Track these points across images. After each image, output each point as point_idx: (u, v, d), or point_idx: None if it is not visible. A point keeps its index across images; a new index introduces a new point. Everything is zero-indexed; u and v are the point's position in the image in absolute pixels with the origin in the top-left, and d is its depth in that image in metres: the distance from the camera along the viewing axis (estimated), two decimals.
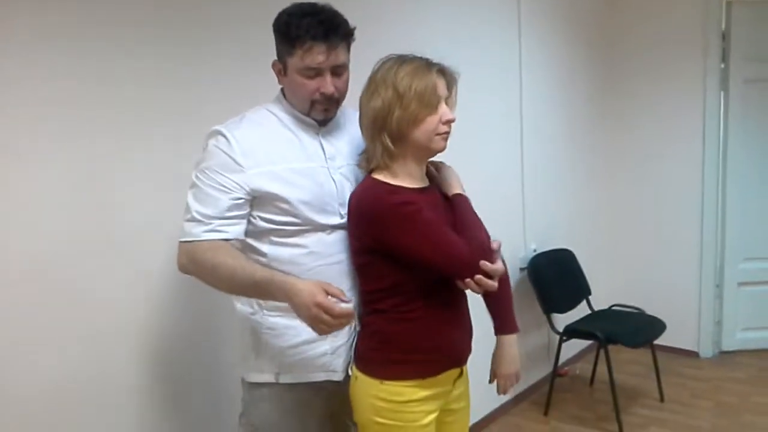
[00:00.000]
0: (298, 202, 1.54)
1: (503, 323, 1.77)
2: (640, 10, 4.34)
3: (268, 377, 1.65)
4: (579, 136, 4.28)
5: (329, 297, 1.35)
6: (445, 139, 1.56)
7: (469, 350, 1.70)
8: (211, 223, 1.50)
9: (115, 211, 1.81)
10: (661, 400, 3.69)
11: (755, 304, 4.33)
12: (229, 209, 1.51)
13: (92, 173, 1.75)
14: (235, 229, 1.53)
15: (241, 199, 1.52)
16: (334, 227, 1.60)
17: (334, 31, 1.51)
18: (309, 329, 1.40)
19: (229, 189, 1.50)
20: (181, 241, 1.54)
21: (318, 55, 1.50)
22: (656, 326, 3.56)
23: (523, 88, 3.64)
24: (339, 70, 1.56)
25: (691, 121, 4.22)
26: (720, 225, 4.25)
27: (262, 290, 1.45)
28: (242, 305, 1.65)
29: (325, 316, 1.33)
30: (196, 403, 2.06)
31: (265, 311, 1.60)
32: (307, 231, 1.57)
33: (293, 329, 1.57)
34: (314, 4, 1.54)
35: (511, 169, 3.62)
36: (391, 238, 1.47)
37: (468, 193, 1.68)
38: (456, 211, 1.60)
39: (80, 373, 1.75)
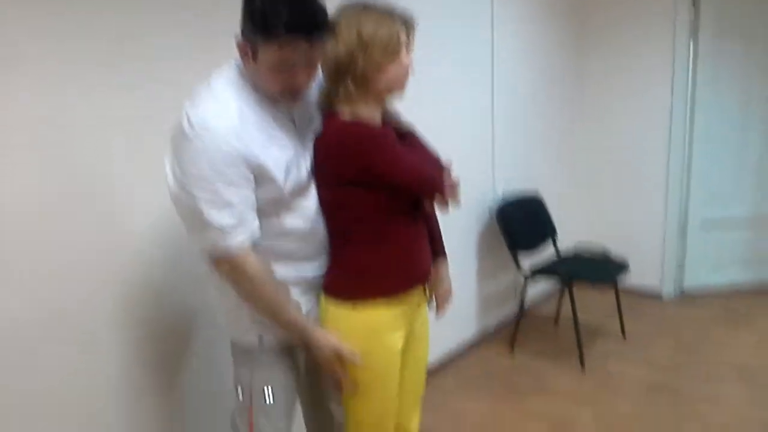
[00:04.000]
0: (284, 179, 1.51)
1: (439, 248, 1.89)
2: None
3: (252, 339, 1.66)
4: (549, 82, 4.30)
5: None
6: (405, 84, 1.62)
7: (430, 268, 1.78)
8: (244, 228, 1.46)
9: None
10: (624, 336, 3.82)
11: (718, 246, 4.46)
12: (251, 204, 1.48)
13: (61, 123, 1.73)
14: (257, 222, 1.51)
15: (252, 187, 1.47)
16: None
17: (318, 26, 1.40)
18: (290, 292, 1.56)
19: (243, 185, 1.44)
20: (219, 257, 1.48)
21: (296, 52, 1.39)
22: (619, 266, 3.66)
23: (495, 35, 3.64)
24: (314, 60, 1.47)
25: (660, 67, 4.25)
26: (686, 167, 4.32)
27: (290, 329, 1.60)
28: None
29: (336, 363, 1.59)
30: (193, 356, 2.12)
31: None
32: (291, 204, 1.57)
33: None
34: None
35: (481, 113, 3.63)
36: (374, 166, 1.52)
37: (438, 136, 1.85)
38: (413, 143, 1.70)
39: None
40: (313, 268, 1.66)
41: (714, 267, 4.51)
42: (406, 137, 1.71)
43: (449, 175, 1.64)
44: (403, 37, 1.56)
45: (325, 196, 1.61)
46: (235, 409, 1.72)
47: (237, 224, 1.44)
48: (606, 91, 4.55)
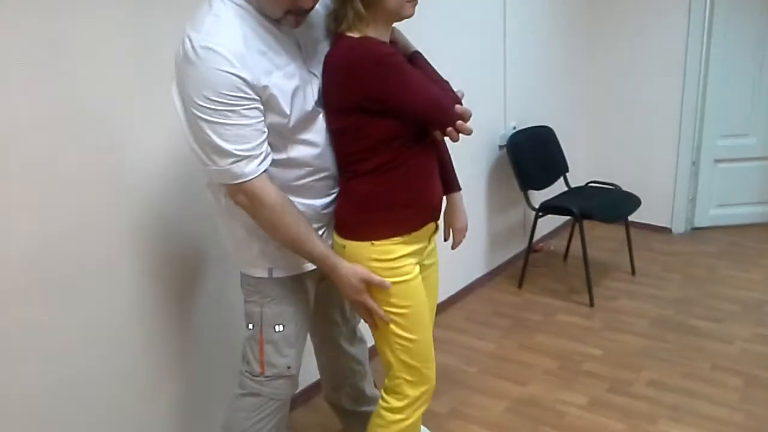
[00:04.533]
0: (289, 108, 1.45)
1: (453, 182, 1.88)
2: None
3: (261, 272, 1.65)
4: (561, 18, 4.14)
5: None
6: (414, 6, 1.55)
7: (441, 201, 1.75)
8: (258, 154, 1.40)
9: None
10: (633, 273, 3.81)
11: (729, 181, 4.39)
12: (262, 130, 1.42)
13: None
14: (270, 149, 1.46)
15: (260, 112, 1.41)
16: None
17: None
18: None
19: (252, 109, 1.38)
20: (234, 184, 1.43)
21: None
22: (631, 202, 3.61)
23: None
24: None
25: (675, 2, 4.10)
26: (700, 102, 4.21)
27: (314, 260, 1.56)
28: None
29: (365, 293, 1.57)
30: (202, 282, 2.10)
31: None
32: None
33: None
34: None
35: (494, 47, 3.51)
36: (385, 85, 1.46)
37: (449, 70, 1.75)
38: (422, 67, 1.65)
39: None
40: (323, 204, 1.63)
41: (725, 203, 4.46)
42: (413, 59, 1.66)
43: (460, 102, 1.57)
44: None
45: (334, 124, 1.56)
46: (245, 340, 1.73)
47: (250, 150, 1.39)
48: (620, 27, 4.39)
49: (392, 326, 1.64)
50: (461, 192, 1.92)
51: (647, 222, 4.47)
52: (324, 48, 1.57)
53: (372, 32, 1.52)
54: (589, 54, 4.51)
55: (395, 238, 1.59)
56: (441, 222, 1.84)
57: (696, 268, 3.85)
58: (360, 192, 1.59)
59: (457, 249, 1.97)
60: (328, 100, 1.55)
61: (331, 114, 1.55)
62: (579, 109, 4.56)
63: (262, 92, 1.38)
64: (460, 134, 1.53)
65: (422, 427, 2.37)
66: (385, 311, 1.62)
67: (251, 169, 1.40)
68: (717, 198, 4.44)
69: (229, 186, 1.45)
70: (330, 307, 1.97)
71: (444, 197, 1.82)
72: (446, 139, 1.58)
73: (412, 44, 1.73)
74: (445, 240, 1.94)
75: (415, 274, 1.66)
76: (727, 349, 2.88)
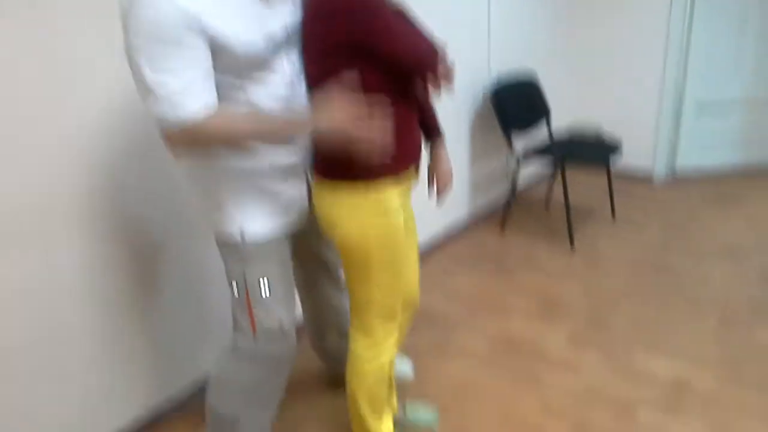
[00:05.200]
0: (241, 46, 1.37)
1: (435, 126, 1.86)
2: None
3: (233, 232, 1.59)
4: None
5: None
6: None
7: (422, 146, 1.73)
8: (194, 98, 1.31)
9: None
10: (613, 218, 3.85)
11: (710, 128, 4.42)
12: (205, 71, 1.32)
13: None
14: (214, 93, 1.36)
15: (204, 50, 1.32)
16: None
17: None
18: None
19: (192, 47, 1.29)
20: (170, 127, 1.32)
21: None
22: (612, 147, 3.63)
23: None
24: None
25: None
26: (684, 49, 4.22)
27: (292, 134, 1.49)
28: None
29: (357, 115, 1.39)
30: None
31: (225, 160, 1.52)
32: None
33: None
34: None
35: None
36: (367, 31, 1.42)
37: (433, 19, 1.74)
38: (406, 20, 1.59)
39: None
40: (288, 153, 1.57)
41: (706, 149, 4.50)
42: (398, 15, 1.59)
43: (444, 56, 1.54)
44: None
45: (312, 71, 1.52)
46: (233, 304, 1.68)
47: (184, 91, 1.29)
48: None
49: (376, 269, 1.64)
50: (443, 139, 1.89)
51: (629, 166, 4.51)
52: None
53: None
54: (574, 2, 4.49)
55: (386, 178, 1.57)
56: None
57: (677, 213, 3.89)
58: None
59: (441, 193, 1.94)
60: (306, 45, 1.51)
61: (309, 62, 1.52)
62: (562, 53, 4.54)
63: (208, 29, 1.30)
64: (443, 85, 1.52)
65: (405, 358, 2.43)
66: (375, 260, 1.61)
67: (186, 112, 1.31)
68: (699, 144, 4.47)
69: (167, 133, 1.35)
70: (308, 252, 1.96)
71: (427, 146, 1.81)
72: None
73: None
74: (429, 186, 1.90)
75: (401, 223, 1.64)
76: (709, 291, 2.94)
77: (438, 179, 1.90)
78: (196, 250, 2.18)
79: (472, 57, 3.53)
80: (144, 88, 1.30)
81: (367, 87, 1.49)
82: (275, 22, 1.46)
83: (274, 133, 1.45)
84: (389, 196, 1.59)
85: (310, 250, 1.96)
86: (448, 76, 1.54)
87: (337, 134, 1.42)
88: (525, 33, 4.02)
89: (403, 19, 1.58)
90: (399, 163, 1.61)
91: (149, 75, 1.28)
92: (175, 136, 1.35)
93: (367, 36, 1.43)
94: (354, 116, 1.41)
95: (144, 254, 2.04)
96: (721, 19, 4.16)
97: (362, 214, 1.58)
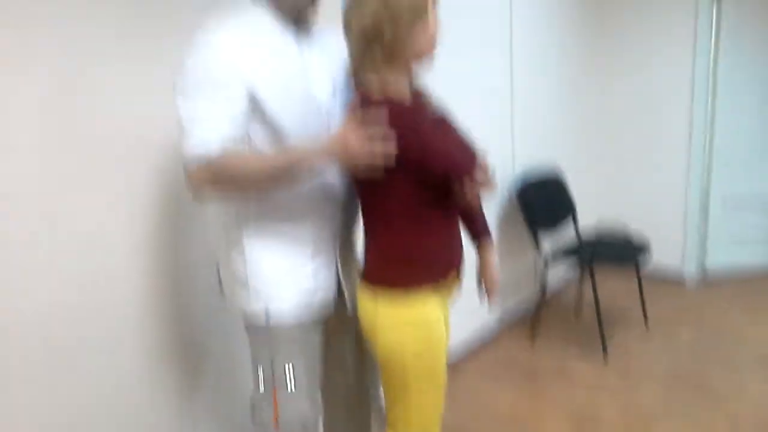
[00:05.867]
0: (284, 109, 1.44)
1: (485, 232, 1.85)
2: None
3: (258, 311, 1.56)
4: (568, 53, 4.15)
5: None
6: (434, 48, 1.53)
7: (463, 253, 1.70)
8: (222, 128, 1.37)
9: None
10: (646, 325, 3.71)
11: (740, 224, 4.33)
12: (237, 114, 1.38)
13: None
14: (233, 134, 1.40)
15: (243, 104, 1.39)
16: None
17: None
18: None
19: (235, 93, 1.37)
20: (192, 163, 1.37)
21: None
22: (640, 248, 3.52)
23: (514, 6, 3.49)
24: None
25: (682, 38, 4.10)
26: (708, 142, 4.19)
27: (303, 165, 1.41)
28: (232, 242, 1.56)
29: (355, 138, 1.35)
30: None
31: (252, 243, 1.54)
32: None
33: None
34: None
35: (501, 91, 3.48)
36: (407, 150, 1.41)
37: (458, 115, 1.72)
38: (446, 129, 1.61)
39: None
40: (314, 220, 1.57)
41: (736, 245, 4.38)
42: (440, 122, 1.62)
43: (483, 162, 1.53)
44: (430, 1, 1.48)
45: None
46: (255, 392, 1.60)
47: (209, 125, 1.36)
48: (626, 66, 4.39)
49: (414, 388, 1.56)
50: (491, 241, 1.86)
51: (658, 264, 4.40)
52: (329, 68, 1.57)
53: (391, 78, 1.49)
54: (595, 93, 4.52)
55: (427, 286, 1.53)
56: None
57: (710, 319, 3.74)
58: (390, 246, 1.54)
59: (468, 297, 1.92)
60: None
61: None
62: (587, 149, 4.55)
63: (251, 88, 1.38)
64: (482, 190, 1.52)
65: None
66: (411, 375, 1.54)
67: (208, 149, 1.35)
68: (728, 241, 4.36)
69: (191, 170, 1.38)
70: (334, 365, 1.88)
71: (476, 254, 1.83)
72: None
73: (440, 105, 1.69)
74: (480, 296, 1.89)
75: (444, 337, 1.59)
76: (748, 408, 2.78)
77: (486, 284, 1.87)
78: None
79: (496, 153, 3.51)
80: (178, 126, 1.37)
81: (413, 194, 1.49)
82: (318, 75, 1.53)
83: (290, 163, 1.40)
84: (429, 305, 1.54)
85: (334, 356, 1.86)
86: (487, 182, 1.52)
87: (346, 157, 1.38)
88: (549, 130, 4.03)
89: (443, 126, 1.60)
90: (439, 270, 1.58)
91: (181, 105, 1.36)
92: (194, 173, 1.38)
93: (405, 153, 1.41)
94: (363, 137, 1.37)
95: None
96: (744, 112, 4.14)
97: (400, 323, 1.52)
